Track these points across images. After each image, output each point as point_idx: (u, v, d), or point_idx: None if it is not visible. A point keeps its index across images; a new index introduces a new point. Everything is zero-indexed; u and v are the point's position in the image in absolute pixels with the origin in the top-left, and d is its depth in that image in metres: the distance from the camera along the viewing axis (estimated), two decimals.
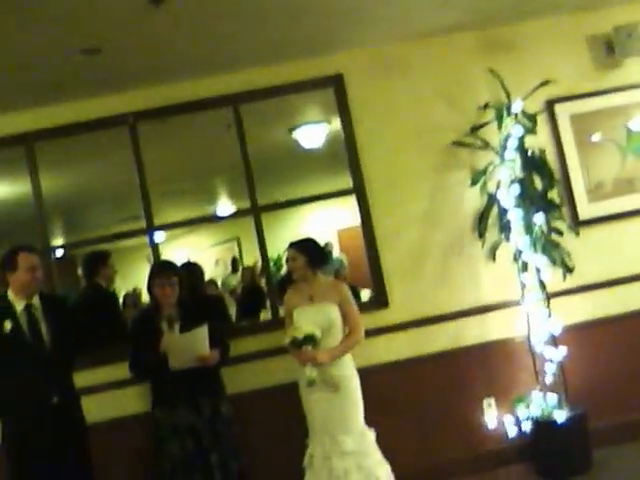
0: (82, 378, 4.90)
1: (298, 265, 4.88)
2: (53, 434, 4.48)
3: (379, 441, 4.78)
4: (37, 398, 4.50)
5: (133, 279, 11.98)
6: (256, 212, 5.75)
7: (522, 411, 5.40)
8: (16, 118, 5.56)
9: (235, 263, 13.19)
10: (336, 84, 5.77)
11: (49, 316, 4.65)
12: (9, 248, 4.66)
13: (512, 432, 5.50)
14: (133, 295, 11.48)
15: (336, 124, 6.02)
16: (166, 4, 4.27)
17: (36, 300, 4.66)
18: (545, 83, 5.50)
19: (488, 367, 5.60)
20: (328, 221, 12.20)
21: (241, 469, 4.84)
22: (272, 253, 5.97)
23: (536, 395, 5.39)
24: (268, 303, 6.05)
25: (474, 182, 5.60)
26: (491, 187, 5.57)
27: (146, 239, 5.80)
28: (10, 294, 4.62)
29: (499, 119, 5.51)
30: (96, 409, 4.95)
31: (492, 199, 5.55)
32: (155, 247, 5.74)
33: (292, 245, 4.96)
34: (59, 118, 5.60)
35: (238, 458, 4.84)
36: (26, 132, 5.59)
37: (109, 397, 5.33)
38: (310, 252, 4.93)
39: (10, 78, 5.06)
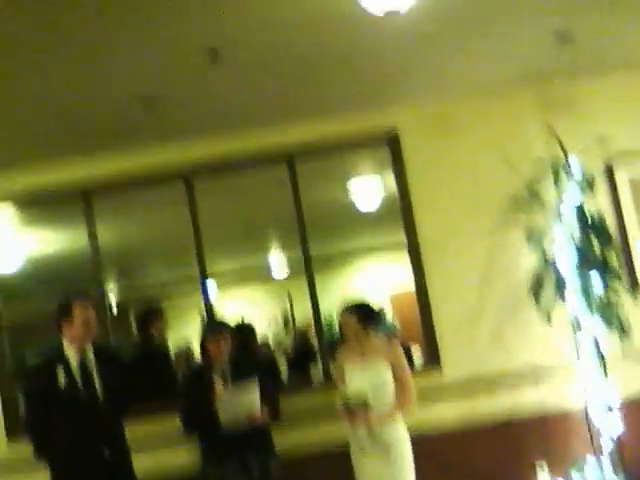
0: (132, 432, 4.84)
1: (351, 327, 4.84)
2: None
3: None
4: (89, 451, 4.47)
5: (185, 335, 12.01)
6: (309, 268, 5.74)
7: (576, 476, 5.25)
8: (75, 169, 5.68)
9: (287, 320, 13.17)
10: (391, 141, 5.80)
11: (102, 369, 4.64)
12: (64, 296, 4.68)
13: None
14: (185, 352, 11.50)
15: (391, 181, 6.01)
16: (224, 59, 4.33)
17: (90, 352, 4.65)
18: (602, 140, 5.45)
19: (542, 431, 5.48)
20: (381, 282, 12.14)
21: None
22: (325, 310, 5.92)
23: (591, 461, 5.24)
24: (319, 363, 5.98)
25: (530, 242, 5.51)
26: (547, 248, 5.47)
27: (200, 297, 5.82)
28: (65, 343, 4.61)
29: (556, 179, 5.45)
30: (145, 463, 4.91)
31: (548, 260, 5.46)
32: (208, 303, 5.77)
33: (345, 307, 4.94)
34: (117, 170, 5.70)
35: None
36: (84, 183, 5.71)
37: (159, 452, 5.34)
38: (363, 312, 4.90)
39: (71, 128, 5.19)
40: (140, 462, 4.76)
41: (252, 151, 5.72)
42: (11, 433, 5.53)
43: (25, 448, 4.71)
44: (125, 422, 4.77)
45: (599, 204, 5.56)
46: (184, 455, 5.20)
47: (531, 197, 5.54)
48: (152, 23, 3.89)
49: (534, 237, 5.50)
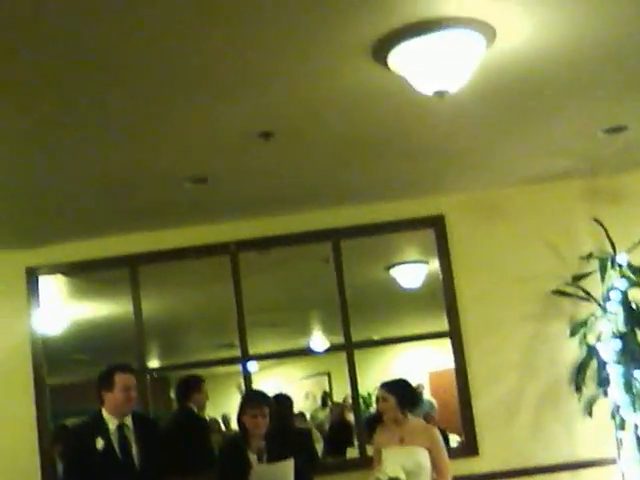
0: None
1: (388, 406, 4.80)
2: None
3: None
4: None
5: (222, 406, 12.00)
6: (349, 349, 5.76)
7: None
8: (123, 240, 5.81)
9: (325, 398, 13.08)
10: (437, 225, 5.84)
11: (140, 437, 4.64)
12: (107, 366, 4.73)
13: None
14: (219, 420, 11.49)
15: (435, 265, 6.05)
16: (274, 137, 4.39)
17: (129, 420, 4.65)
18: None
19: None
20: (420, 362, 12.04)
21: None
22: (363, 390, 5.92)
23: None
24: (356, 441, 5.94)
25: (573, 333, 5.48)
26: (591, 339, 5.43)
27: (239, 367, 5.86)
28: (104, 412, 4.62)
29: (602, 270, 5.42)
30: None
31: (591, 352, 5.40)
32: (247, 376, 5.79)
33: (383, 385, 4.89)
34: (163, 243, 5.82)
35: None
36: (131, 254, 5.83)
37: None
38: (401, 393, 4.85)
39: (119, 203, 5.32)
40: None
41: (298, 228, 5.81)
42: None
43: None
44: None
45: None
46: None
47: (576, 288, 5.52)
48: (202, 104, 3.96)
49: (577, 328, 5.46)
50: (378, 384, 4.96)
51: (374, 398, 5.26)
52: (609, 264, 5.42)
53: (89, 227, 5.66)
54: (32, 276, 5.87)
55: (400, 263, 7.53)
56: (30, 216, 5.35)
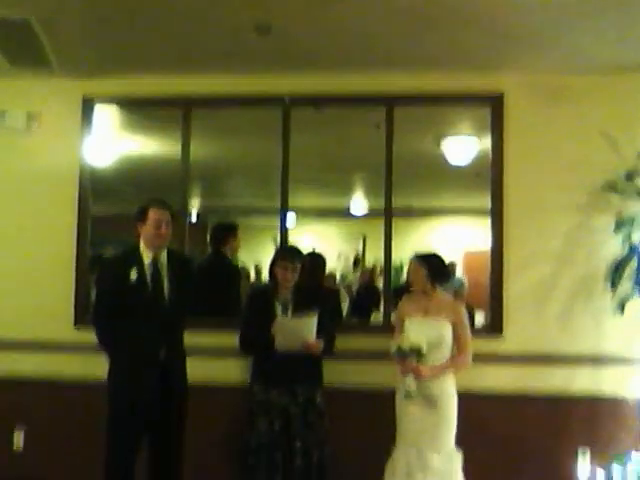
0: (191, 339, 5.01)
1: (419, 277, 4.84)
2: (156, 386, 4.62)
3: (465, 466, 4.72)
4: (147, 349, 4.65)
5: (256, 256, 12.23)
6: (389, 215, 5.75)
7: (617, 469, 5.19)
8: (179, 81, 5.80)
9: (357, 260, 13.25)
10: (495, 103, 5.69)
11: (173, 273, 4.79)
12: (145, 201, 4.85)
13: None
14: (251, 269, 11.75)
15: (486, 143, 5.92)
16: None
17: (163, 256, 4.80)
18: None
19: (591, 418, 5.43)
20: (456, 240, 12.06)
21: (322, 459, 4.88)
22: (395, 258, 5.94)
23: (636, 456, 5.17)
24: (382, 307, 6.04)
25: (618, 229, 5.37)
26: (635, 238, 5.33)
27: (277, 220, 5.89)
28: (140, 246, 4.78)
29: None
30: (199, 371, 5.04)
31: (633, 251, 5.32)
32: (284, 230, 5.83)
33: (416, 257, 4.92)
34: (219, 88, 5.80)
35: (321, 448, 4.88)
36: (186, 96, 5.83)
37: (213, 363, 5.50)
38: (433, 266, 4.87)
39: (180, 43, 5.31)
40: (193, 367, 4.92)
41: (354, 90, 5.72)
42: (79, 320, 5.78)
43: (90, 335, 4.91)
44: (186, 329, 4.91)
45: None
46: (236, 370, 5.44)
47: (628, 183, 5.38)
48: None
49: (623, 225, 5.36)
50: (411, 255, 4.98)
51: (405, 268, 5.27)
52: None
53: (149, 64, 5.67)
54: (88, 104, 5.93)
55: (452, 135, 7.40)
56: (93, 45, 5.38)
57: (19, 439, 5.77)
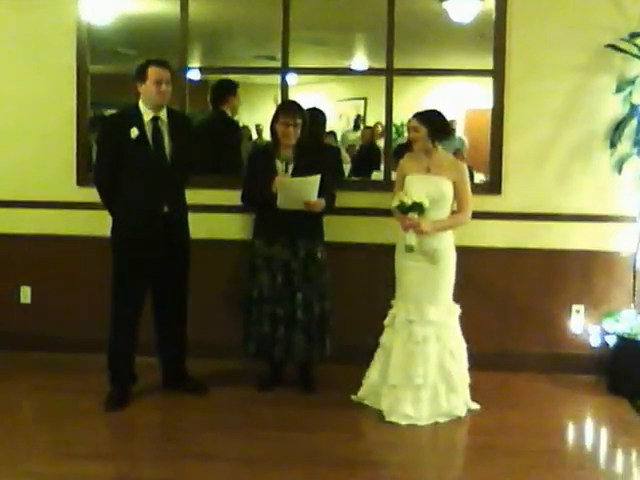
0: (194, 197, 5.11)
1: (419, 136, 4.82)
2: (159, 239, 4.77)
3: (462, 319, 4.87)
4: (150, 204, 4.75)
5: (257, 115, 12.18)
6: (389, 74, 5.70)
7: (610, 325, 5.36)
8: None
9: (358, 121, 13.22)
10: None
11: (173, 131, 4.83)
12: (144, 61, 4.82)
13: (595, 343, 5.51)
14: (252, 129, 11.73)
15: (489, 2, 5.79)
16: None
17: (163, 114, 4.83)
18: None
19: (586, 275, 5.56)
20: (457, 98, 11.93)
21: (323, 312, 5.04)
22: (396, 118, 5.94)
23: (628, 313, 5.34)
24: (382, 165, 6.08)
25: (619, 90, 5.36)
26: (636, 99, 5.32)
27: (277, 79, 5.84)
28: (140, 105, 4.80)
29: None
30: (201, 227, 5.19)
31: (633, 111, 5.32)
32: (285, 88, 5.78)
33: (416, 115, 4.87)
34: None
35: (322, 302, 5.03)
36: None
37: (215, 219, 5.61)
38: (433, 124, 4.84)
39: None
40: (196, 224, 5.04)
41: None
42: (81, 178, 5.81)
43: (92, 192, 5.01)
44: (188, 187, 5.00)
45: None
46: (238, 226, 5.57)
47: (631, 45, 5.31)
48: None
49: (624, 85, 5.35)
50: (412, 114, 4.93)
51: (405, 128, 5.27)
52: None
53: None
54: None
55: None
56: None
57: (26, 294, 5.92)
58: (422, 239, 4.69)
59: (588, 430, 4.95)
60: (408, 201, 4.62)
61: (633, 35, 5.31)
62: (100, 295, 5.07)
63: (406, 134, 5.32)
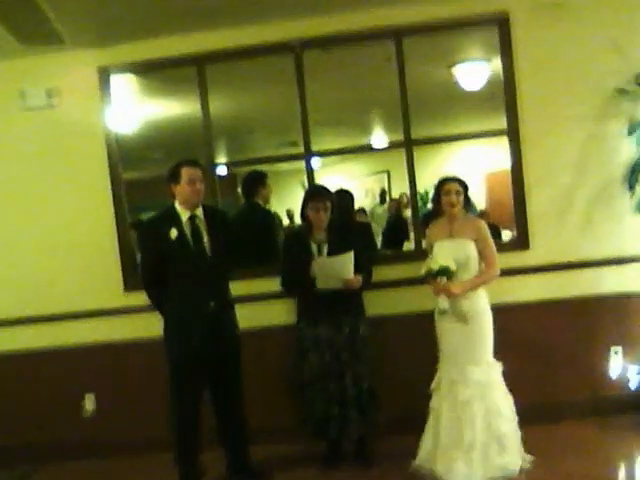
0: (237, 289, 5.25)
1: (460, 200, 4.96)
2: (208, 335, 4.87)
3: (504, 376, 4.91)
4: (197, 301, 4.87)
5: (286, 202, 12.44)
6: (409, 145, 5.87)
7: None
8: (190, 39, 5.83)
9: (383, 194, 13.42)
10: (501, 23, 5.74)
11: (211, 227, 4.97)
12: (175, 162, 4.99)
13: (635, 383, 5.55)
14: (283, 215, 11.95)
15: (497, 64, 5.99)
16: None
17: (200, 212, 4.97)
18: None
19: (620, 318, 5.62)
20: (476, 162, 12.12)
21: (372, 387, 5.12)
22: (420, 187, 6.10)
23: None
24: (412, 235, 6.22)
25: (631, 132, 5.49)
26: None
27: (302, 164, 6.03)
28: (176, 205, 4.95)
29: None
30: (248, 318, 5.32)
31: None
32: (310, 173, 5.97)
33: (457, 180, 5.00)
34: (229, 41, 5.83)
35: (371, 377, 5.11)
36: (198, 53, 5.88)
37: (260, 308, 5.72)
38: (467, 188, 5.05)
39: (184, 1, 5.32)
40: (242, 315, 5.18)
41: (361, 27, 5.77)
42: (128, 283, 5.97)
43: (140, 297, 5.19)
44: (230, 279, 5.13)
45: None
46: (282, 311, 5.68)
47: (637, 86, 5.46)
48: None
49: (635, 127, 5.47)
50: (435, 181, 5.09)
51: (430, 195, 5.41)
52: None
53: (157, 26, 5.69)
54: (104, 75, 5.97)
55: (462, 62, 7.48)
56: (99, 13, 5.37)
57: (90, 404, 6.02)
58: (455, 301, 4.81)
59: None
60: (435, 267, 4.76)
61: (638, 77, 5.47)
62: (159, 397, 5.18)
63: (429, 204, 5.44)
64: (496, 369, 4.90)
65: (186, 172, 4.89)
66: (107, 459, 5.82)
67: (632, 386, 5.57)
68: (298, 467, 5.31)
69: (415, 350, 5.45)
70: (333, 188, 5.55)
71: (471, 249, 4.88)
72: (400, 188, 11.27)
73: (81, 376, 5.99)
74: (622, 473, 4.90)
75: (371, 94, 8.27)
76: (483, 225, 5.01)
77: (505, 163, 5.86)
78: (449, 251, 4.86)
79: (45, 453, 5.91)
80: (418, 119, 5.98)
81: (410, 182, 5.90)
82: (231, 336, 5.04)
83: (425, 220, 5.62)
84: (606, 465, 4.87)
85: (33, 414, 5.99)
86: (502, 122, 5.81)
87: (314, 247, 5.16)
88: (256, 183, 6.46)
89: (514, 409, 4.91)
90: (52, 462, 5.84)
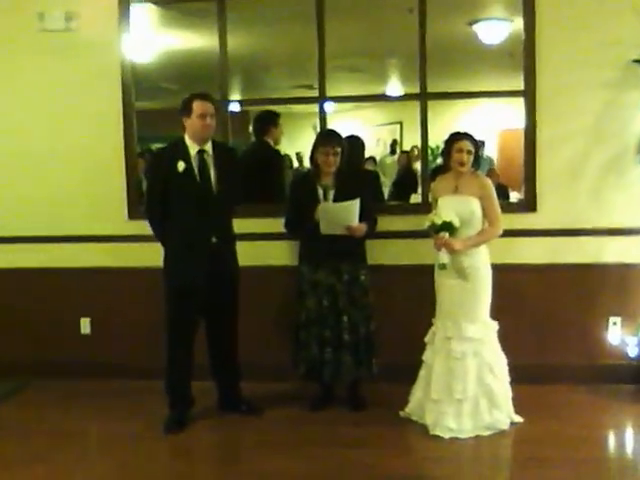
0: (241, 225, 5.29)
1: (471, 158, 4.95)
2: (208, 269, 4.92)
3: (501, 335, 4.96)
4: (198, 234, 4.92)
5: (297, 144, 12.41)
6: (424, 98, 5.84)
7: None
8: None
9: (394, 145, 13.39)
10: None
11: (219, 162, 4.98)
12: (188, 94, 4.98)
13: (633, 353, 5.59)
14: (293, 157, 11.94)
15: (518, 24, 5.91)
16: None
17: (208, 146, 4.98)
18: None
19: (622, 288, 5.63)
20: (490, 119, 12.04)
21: (368, 333, 5.18)
22: (431, 141, 6.08)
23: None
24: (420, 188, 6.22)
25: None
26: None
27: (315, 108, 6.00)
28: (186, 138, 4.96)
29: None
30: (249, 255, 5.38)
31: None
32: (323, 116, 5.95)
33: (471, 137, 4.98)
34: None
35: (367, 324, 5.17)
36: None
37: (262, 247, 5.78)
38: (478, 146, 5.04)
39: None
40: (243, 252, 5.23)
41: None
42: (132, 212, 6.01)
43: (143, 226, 5.24)
44: (234, 217, 5.17)
45: None
46: (284, 252, 5.74)
47: None
48: None
49: None
50: (446, 136, 5.08)
51: (440, 149, 5.39)
52: None
53: None
54: (124, 2, 5.94)
55: (484, 19, 7.41)
56: None
57: (86, 325, 6.14)
58: (455, 257, 4.83)
59: (629, 439, 5.01)
60: (438, 221, 4.78)
61: None
62: (154, 324, 5.29)
63: (439, 159, 5.42)
64: (492, 328, 4.94)
65: (198, 106, 4.88)
66: (98, 380, 5.94)
67: (631, 354, 5.61)
68: (288, 405, 5.40)
69: (414, 302, 5.48)
70: (345, 134, 5.53)
71: (475, 206, 4.89)
72: (412, 140, 11.22)
73: (79, 298, 6.09)
74: (612, 438, 4.97)
75: (390, 44, 8.22)
76: (489, 183, 5.01)
77: (520, 122, 5.83)
78: (453, 207, 4.87)
79: (39, 369, 6.03)
80: (435, 73, 5.93)
81: (422, 136, 5.89)
82: (230, 269, 5.09)
83: (433, 174, 5.63)
84: (597, 429, 4.94)
85: (31, 330, 6.13)
86: (519, 81, 5.75)
87: (320, 192, 5.18)
88: (268, 122, 6.45)
89: (507, 369, 4.97)
90: (45, 378, 5.97)
